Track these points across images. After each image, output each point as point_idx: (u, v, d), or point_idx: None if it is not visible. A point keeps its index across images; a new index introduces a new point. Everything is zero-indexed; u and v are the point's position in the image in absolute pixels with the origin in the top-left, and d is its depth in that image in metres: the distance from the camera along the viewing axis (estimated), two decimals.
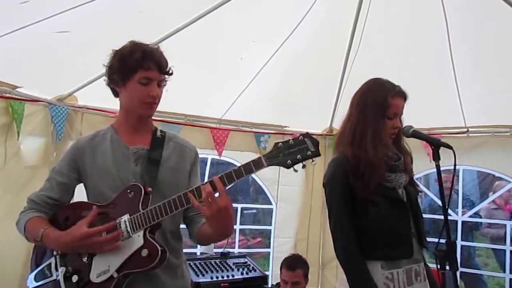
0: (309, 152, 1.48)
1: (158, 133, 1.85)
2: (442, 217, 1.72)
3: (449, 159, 1.77)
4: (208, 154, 3.94)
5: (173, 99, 3.14)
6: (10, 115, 2.83)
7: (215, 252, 3.70)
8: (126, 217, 1.62)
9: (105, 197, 1.71)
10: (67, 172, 1.77)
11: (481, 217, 5.16)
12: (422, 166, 3.43)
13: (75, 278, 1.66)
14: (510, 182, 4.01)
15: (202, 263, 3.41)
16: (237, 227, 4.56)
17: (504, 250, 4.10)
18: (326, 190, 2.01)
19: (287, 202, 4.48)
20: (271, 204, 4.51)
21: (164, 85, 1.78)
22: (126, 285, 1.62)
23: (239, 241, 4.68)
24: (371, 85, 2.00)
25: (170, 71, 1.77)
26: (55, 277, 1.69)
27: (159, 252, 1.57)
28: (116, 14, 2.69)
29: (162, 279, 1.71)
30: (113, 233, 1.59)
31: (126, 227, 1.61)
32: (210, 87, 3.58)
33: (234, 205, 4.55)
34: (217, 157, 3.96)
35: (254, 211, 7.55)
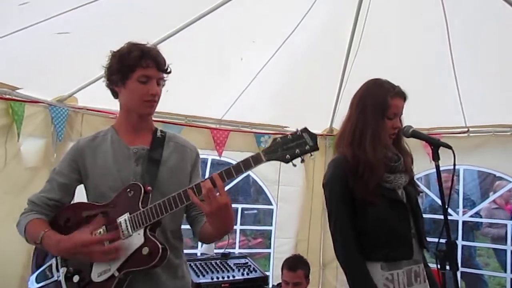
0: (307, 147, 1.48)
1: (159, 133, 1.85)
2: (442, 217, 1.72)
3: (450, 159, 1.77)
4: (208, 155, 3.94)
5: (174, 100, 3.16)
6: (10, 116, 2.83)
7: (215, 253, 3.70)
8: (126, 216, 1.63)
9: (106, 198, 1.71)
10: (67, 173, 1.78)
11: (481, 217, 5.16)
12: (422, 166, 3.43)
13: (76, 278, 1.66)
14: (510, 182, 4.00)
15: (202, 264, 3.41)
16: (238, 227, 4.56)
17: (505, 250, 4.09)
18: (325, 191, 2.01)
19: (288, 202, 4.47)
20: (271, 204, 4.51)
21: (163, 84, 1.79)
22: (127, 284, 1.62)
23: (240, 241, 4.68)
24: (371, 86, 2.00)
25: (169, 70, 1.78)
26: (56, 278, 1.69)
27: (160, 250, 1.58)
28: (116, 15, 2.69)
29: (162, 279, 1.71)
30: (114, 244, 1.59)
31: (127, 226, 1.62)
32: (210, 87, 3.59)
33: (235, 205, 4.54)
34: (217, 158, 3.96)
35: (255, 211, 7.55)
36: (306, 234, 4.43)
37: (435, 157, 1.77)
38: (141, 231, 1.60)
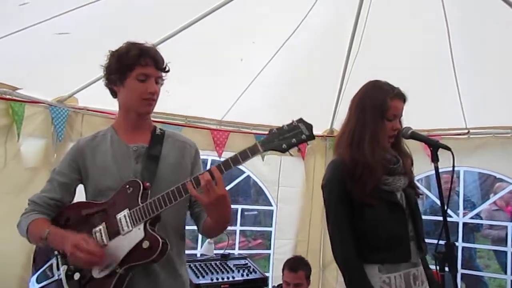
0: (303, 136, 1.51)
1: (158, 131, 1.86)
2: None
3: (450, 160, 1.77)
4: (208, 155, 3.94)
5: (174, 101, 3.16)
6: (11, 117, 2.83)
7: (215, 254, 3.70)
8: (125, 212, 1.63)
9: (105, 196, 1.72)
10: (68, 172, 1.78)
11: (482, 219, 5.16)
12: (423, 167, 3.42)
13: (77, 276, 1.66)
14: (511, 183, 3.99)
15: (202, 265, 3.41)
16: (238, 228, 4.56)
17: (506, 252, 4.08)
18: (324, 193, 2.01)
19: (288, 203, 4.47)
20: (271, 205, 4.51)
21: (162, 83, 1.79)
22: (128, 281, 1.62)
23: (240, 242, 4.68)
24: (370, 88, 2.00)
25: (167, 68, 1.79)
26: (57, 277, 1.69)
27: (160, 244, 1.58)
28: (117, 16, 2.69)
29: (161, 277, 1.71)
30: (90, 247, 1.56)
31: (126, 221, 1.62)
32: (210, 88, 3.58)
33: (235, 206, 4.54)
34: (217, 158, 3.95)
35: (255, 212, 7.55)
36: (306, 235, 4.43)
37: (434, 159, 1.77)
38: (141, 226, 1.61)
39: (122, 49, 1.73)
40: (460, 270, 4.16)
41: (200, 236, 4.16)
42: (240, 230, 4.71)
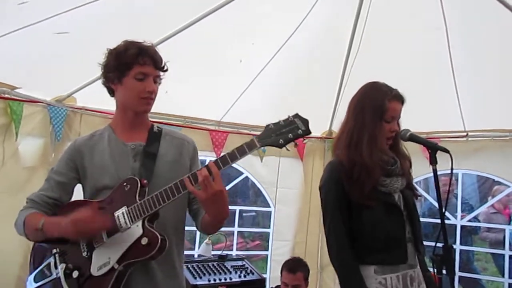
0: (300, 131, 1.52)
1: (155, 128, 1.86)
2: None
3: (448, 163, 1.76)
4: (206, 156, 3.94)
5: (172, 101, 3.16)
6: (9, 116, 2.83)
7: (213, 255, 3.69)
8: (123, 209, 1.63)
9: (103, 195, 1.72)
10: (65, 171, 1.78)
11: (480, 222, 5.16)
12: (421, 170, 3.42)
13: (75, 274, 1.65)
14: (509, 186, 4.00)
15: (199, 266, 3.40)
16: (236, 229, 4.55)
17: (503, 255, 4.09)
18: (321, 194, 2.01)
19: (286, 204, 4.46)
20: (269, 206, 4.51)
21: (160, 83, 1.79)
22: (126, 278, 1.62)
23: (238, 243, 4.67)
24: (368, 89, 2.00)
25: (165, 68, 1.78)
26: (55, 276, 1.68)
27: (159, 240, 1.58)
28: (116, 16, 2.69)
29: (158, 277, 1.71)
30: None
31: (124, 218, 1.62)
32: (209, 89, 3.58)
33: (233, 207, 4.54)
34: None
35: (253, 213, 7.55)
36: (304, 236, 4.42)
37: (432, 161, 1.77)
38: (139, 223, 1.61)
39: (121, 47, 1.72)
40: (458, 273, 4.16)
41: (197, 237, 4.15)
42: (238, 231, 4.70)
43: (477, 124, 3.84)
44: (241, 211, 4.87)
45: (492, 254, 5.71)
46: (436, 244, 1.71)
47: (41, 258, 1.78)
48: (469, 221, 4.54)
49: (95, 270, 1.62)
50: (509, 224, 5.26)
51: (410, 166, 2.10)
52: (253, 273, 3.44)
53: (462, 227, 4.32)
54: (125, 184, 1.67)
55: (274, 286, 3.63)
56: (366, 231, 1.89)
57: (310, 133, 1.53)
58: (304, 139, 1.48)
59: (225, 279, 3.27)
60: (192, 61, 3.17)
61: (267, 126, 1.55)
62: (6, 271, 2.84)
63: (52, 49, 2.73)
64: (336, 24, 3.35)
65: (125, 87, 1.72)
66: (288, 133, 1.52)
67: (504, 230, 4.24)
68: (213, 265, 3.46)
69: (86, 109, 3.36)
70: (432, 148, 1.79)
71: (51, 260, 1.72)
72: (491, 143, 3.82)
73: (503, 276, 4.16)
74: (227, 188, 4.33)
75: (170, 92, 2.50)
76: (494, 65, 3.29)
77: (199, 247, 3.99)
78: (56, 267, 1.69)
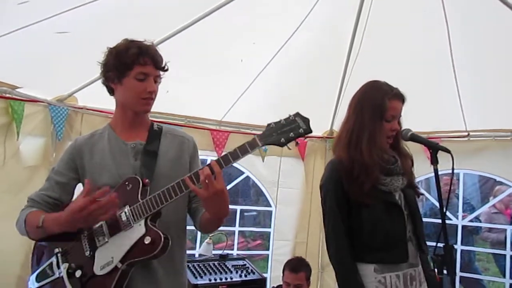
0: (301, 130, 1.52)
1: (155, 127, 1.86)
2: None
3: (450, 162, 1.76)
4: (207, 156, 3.94)
5: (173, 101, 3.16)
6: (10, 115, 2.84)
7: (214, 254, 3.69)
8: (126, 209, 1.63)
9: (105, 195, 1.71)
10: (65, 172, 1.78)
11: (481, 222, 5.14)
12: (423, 169, 3.42)
13: (78, 273, 1.65)
14: (510, 186, 3.99)
15: (200, 265, 3.40)
16: (236, 229, 4.55)
17: (504, 255, 4.08)
18: (321, 193, 2.02)
19: (287, 204, 4.46)
20: (270, 206, 4.50)
21: (160, 82, 1.78)
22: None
23: (239, 243, 4.67)
24: (369, 88, 2.00)
25: (166, 67, 1.77)
26: (57, 275, 1.68)
27: (162, 239, 1.58)
28: (117, 15, 2.69)
29: (159, 274, 1.70)
30: (109, 196, 1.52)
31: (127, 217, 1.62)
32: (210, 89, 3.58)
33: (234, 207, 4.54)
34: None
35: (255, 213, 7.55)
36: (305, 236, 4.42)
37: (434, 161, 1.77)
38: (142, 222, 1.61)
39: (121, 46, 1.71)
40: (459, 273, 4.15)
41: (199, 237, 4.15)
42: (239, 231, 4.70)
43: (478, 124, 3.83)
44: (242, 211, 4.88)
45: (494, 254, 5.70)
46: (437, 244, 1.71)
47: (42, 256, 1.78)
48: (471, 221, 4.53)
49: (98, 269, 1.62)
50: (510, 224, 5.25)
51: (412, 165, 2.10)
52: (253, 273, 3.44)
53: (464, 227, 4.31)
54: (126, 183, 1.67)
55: (275, 286, 3.63)
56: (365, 230, 1.89)
57: (311, 131, 1.53)
58: (305, 138, 1.48)
59: (226, 278, 3.28)
60: (193, 61, 3.16)
61: (269, 125, 1.55)
62: (7, 271, 2.84)
63: (53, 49, 2.73)
64: (337, 23, 3.35)
65: (125, 87, 1.71)
66: (289, 132, 1.52)
67: (505, 230, 4.23)
68: (214, 264, 3.47)
69: (87, 109, 3.36)
70: (433, 148, 1.79)
71: (53, 259, 1.72)
72: (493, 143, 3.81)
73: (504, 276, 4.14)
74: (228, 187, 4.33)
75: (172, 91, 2.50)
76: (496, 65, 3.28)
77: (200, 247, 3.99)
78: (58, 267, 1.69)
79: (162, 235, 1.58)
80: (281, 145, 1.54)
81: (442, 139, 3.77)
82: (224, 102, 3.88)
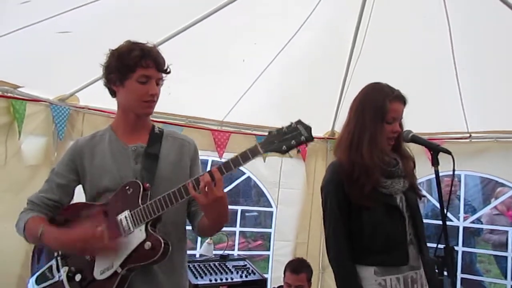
0: (302, 138, 1.51)
1: (156, 130, 1.85)
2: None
3: (451, 164, 1.76)
4: (208, 156, 3.94)
5: (175, 101, 3.16)
6: (12, 115, 2.84)
7: (214, 254, 3.69)
8: (126, 213, 1.63)
9: (104, 197, 1.71)
10: (66, 173, 1.78)
11: (482, 223, 5.13)
12: (424, 171, 3.40)
13: (78, 277, 1.66)
14: None
15: (201, 265, 3.40)
16: (237, 229, 4.55)
17: (506, 257, 4.07)
18: (322, 194, 2.02)
19: (288, 205, 4.46)
20: (271, 207, 4.50)
21: (162, 84, 1.78)
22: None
23: (239, 243, 4.67)
24: (370, 90, 2.00)
25: (168, 70, 1.77)
26: (57, 279, 1.68)
27: (162, 245, 1.58)
28: (119, 15, 2.69)
29: (159, 277, 1.70)
30: (116, 240, 1.57)
31: (127, 222, 1.62)
32: (211, 89, 3.58)
33: (235, 207, 4.54)
34: (218, 159, 3.95)
35: (256, 213, 7.54)
36: (306, 237, 4.42)
37: (434, 162, 1.77)
38: (143, 227, 1.61)
39: (123, 49, 1.71)
40: (460, 275, 4.15)
41: (199, 237, 4.16)
42: (240, 231, 4.70)
43: (480, 125, 3.82)
44: (243, 211, 4.87)
45: (495, 256, 5.69)
46: (437, 245, 1.71)
47: (42, 255, 1.78)
48: (472, 222, 4.52)
49: (98, 274, 1.62)
50: None
51: (414, 167, 2.09)
52: (254, 273, 3.44)
53: (465, 228, 4.30)
54: (127, 187, 1.67)
55: (276, 287, 3.63)
56: (366, 232, 1.89)
57: (312, 140, 1.52)
58: (307, 145, 1.46)
59: (227, 279, 3.27)
60: (194, 61, 3.16)
61: (270, 132, 1.54)
62: (8, 270, 2.84)
63: (55, 48, 2.73)
64: (339, 24, 3.35)
65: (128, 90, 1.71)
66: (291, 139, 1.51)
67: (507, 232, 4.21)
68: (214, 265, 3.46)
69: (88, 108, 3.37)
70: (434, 149, 1.79)
71: (53, 262, 1.72)
72: (495, 145, 3.81)
73: (506, 278, 4.14)
74: (229, 187, 4.35)
75: (173, 92, 2.49)
76: (497, 66, 3.28)
77: (201, 247, 3.99)
78: (58, 270, 1.69)
79: (162, 241, 1.58)
80: (283, 152, 1.52)
81: (443, 140, 3.76)
82: (225, 102, 3.88)
